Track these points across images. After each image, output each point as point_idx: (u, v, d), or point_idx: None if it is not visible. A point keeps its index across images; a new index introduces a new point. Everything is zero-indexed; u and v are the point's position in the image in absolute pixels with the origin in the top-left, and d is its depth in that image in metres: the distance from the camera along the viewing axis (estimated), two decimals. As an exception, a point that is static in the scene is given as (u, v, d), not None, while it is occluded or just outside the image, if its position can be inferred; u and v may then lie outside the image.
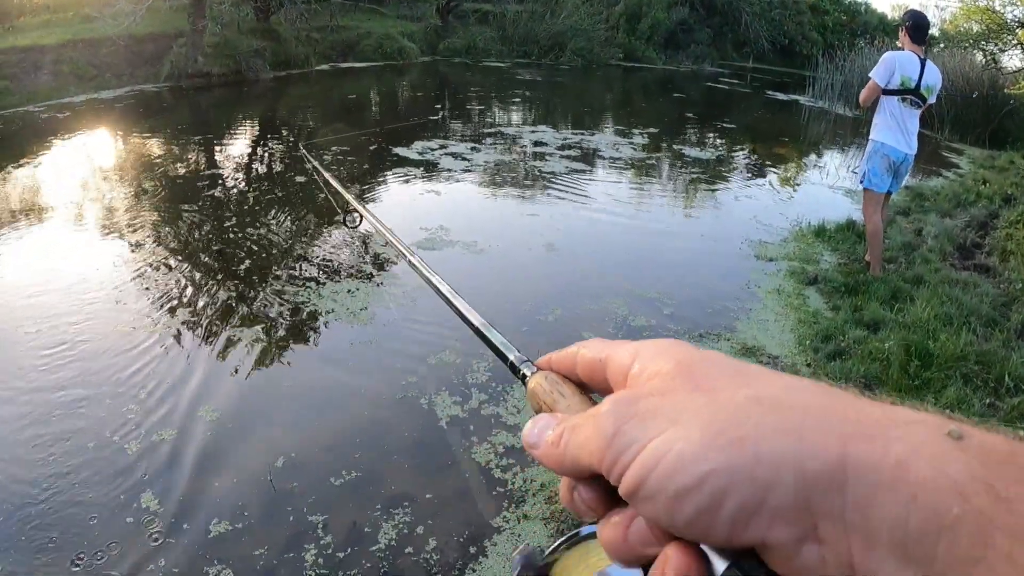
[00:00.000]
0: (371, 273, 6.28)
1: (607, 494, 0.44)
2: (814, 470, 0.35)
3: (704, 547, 0.39)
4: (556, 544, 0.61)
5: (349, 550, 3.21)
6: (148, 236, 7.03)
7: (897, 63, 6.11)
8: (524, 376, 0.57)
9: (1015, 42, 16.21)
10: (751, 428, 0.37)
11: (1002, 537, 0.31)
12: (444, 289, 0.74)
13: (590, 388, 0.52)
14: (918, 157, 6.52)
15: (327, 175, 1.80)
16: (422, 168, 10.22)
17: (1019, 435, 0.35)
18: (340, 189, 1.41)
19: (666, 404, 0.41)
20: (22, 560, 3.11)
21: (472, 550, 3.24)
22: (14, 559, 3.11)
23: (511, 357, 0.60)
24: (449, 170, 10.18)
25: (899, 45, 6.33)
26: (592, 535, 0.69)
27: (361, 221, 1.41)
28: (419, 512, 3.45)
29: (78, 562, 3.09)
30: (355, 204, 1.21)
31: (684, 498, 0.37)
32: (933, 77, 6.18)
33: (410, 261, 0.87)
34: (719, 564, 0.38)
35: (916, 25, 6.19)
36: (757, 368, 0.43)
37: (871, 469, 0.34)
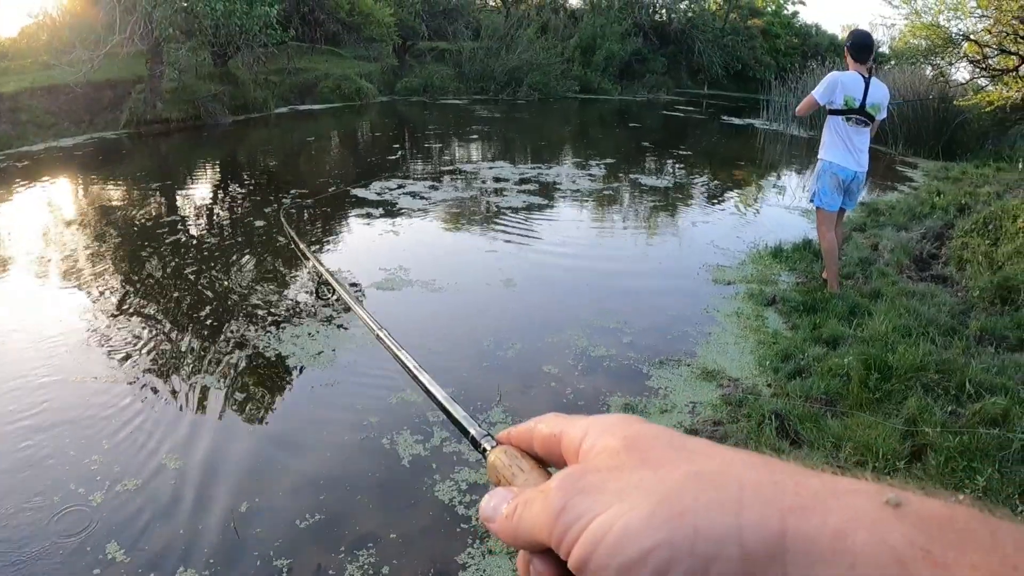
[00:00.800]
0: (330, 316, 6.23)
1: (561, 568, 0.45)
2: (754, 544, 0.35)
3: None
4: None
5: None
6: (109, 284, 6.95)
7: (840, 84, 6.18)
8: (484, 450, 0.58)
9: (961, 55, 16.51)
10: (690, 502, 0.38)
11: None
12: (410, 364, 0.76)
13: (548, 463, 0.54)
14: (873, 173, 6.61)
15: (308, 252, 1.79)
16: (381, 209, 10.18)
17: (957, 498, 0.36)
18: (322, 270, 1.42)
19: (612, 479, 0.42)
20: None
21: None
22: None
23: (472, 432, 0.62)
24: (408, 209, 10.17)
25: (846, 65, 6.40)
26: None
27: (334, 293, 1.40)
28: (384, 552, 3.40)
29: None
30: (331, 280, 1.20)
31: (630, 572, 0.38)
32: (879, 94, 6.25)
33: (377, 335, 0.90)
34: None
35: (856, 45, 6.27)
36: (703, 443, 0.44)
37: (809, 541, 0.34)
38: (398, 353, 0.81)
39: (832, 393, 4.71)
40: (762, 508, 0.37)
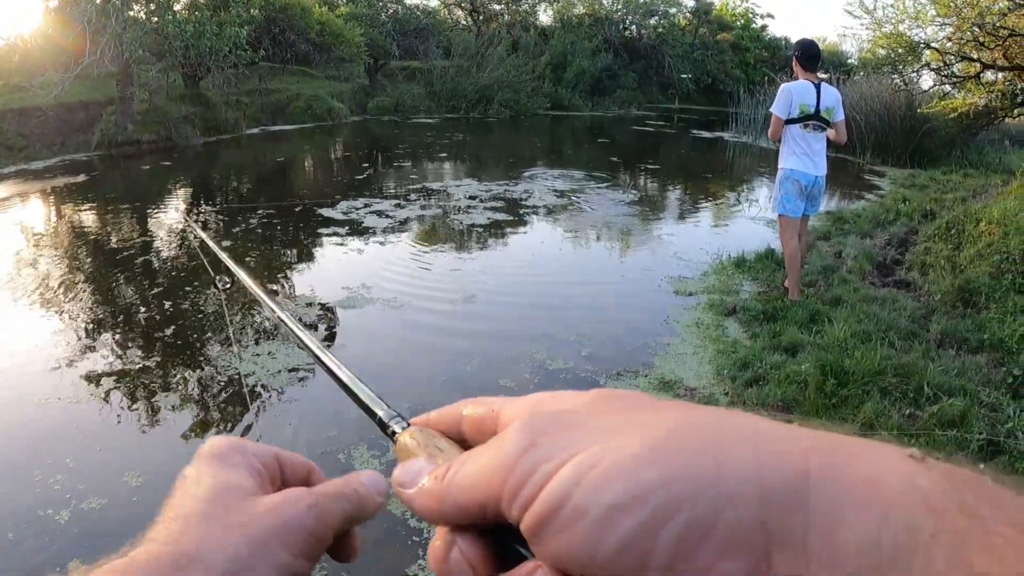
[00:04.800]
0: (287, 335, 6.18)
1: (496, 550, 0.38)
2: (775, 483, 0.30)
3: None
4: None
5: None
6: (78, 306, 6.91)
7: (794, 93, 6.25)
8: (394, 433, 0.51)
9: (923, 63, 16.69)
10: (710, 438, 0.32)
11: (981, 557, 0.27)
12: (313, 345, 0.68)
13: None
14: (840, 183, 6.64)
15: (204, 236, 1.72)
16: (346, 227, 10.14)
17: (979, 468, 0.32)
18: (216, 249, 1.34)
19: (594, 421, 0.35)
20: None
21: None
22: None
23: (380, 413, 0.54)
24: (373, 228, 10.13)
25: (794, 75, 6.45)
26: None
27: (234, 282, 1.34)
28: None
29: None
30: (230, 264, 1.14)
31: (619, 516, 0.31)
32: (831, 98, 6.32)
33: (279, 317, 0.81)
34: None
35: (804, 54, 6.38)
36: (689, 404, 0.38)
37: (837, 482, 0.30)
38: (300, 335, 0.73)
39: (789, 400, 4.70)
40: (780, 446, 0.32)
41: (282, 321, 0.78)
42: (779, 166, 6.54)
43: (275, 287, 7.67)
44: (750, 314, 6.31)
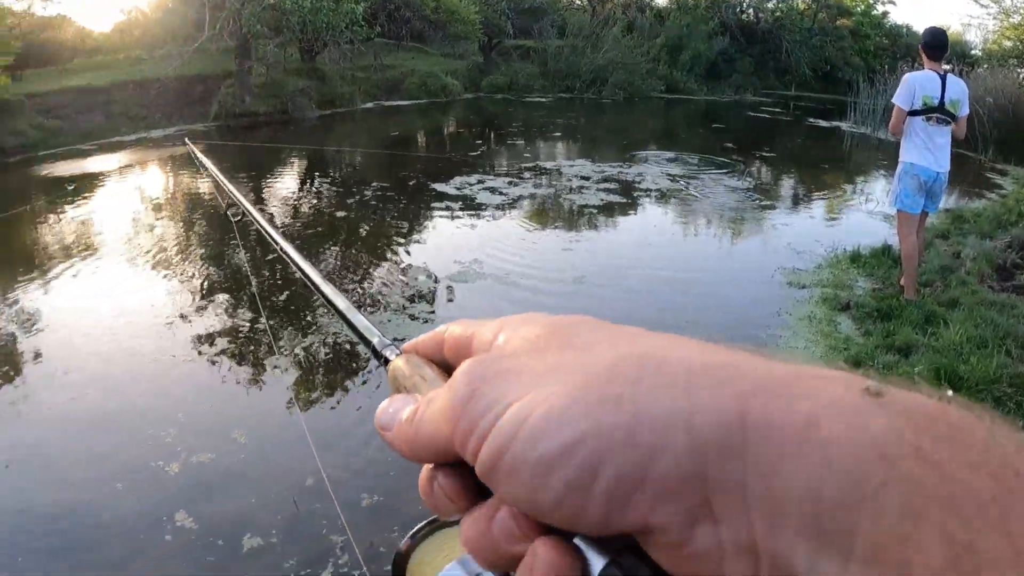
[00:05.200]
0: (404, 305, 6.39)
1: (471, 481, 0.38)
2: (707, 432, 0.29)
3: (578, 541, 0.33)
4: (415, 529, 0.56)
5: (365, 569, 3.30)
6: (193, 270, 7.28)
7: (916, 84, 6.07)
8: (387, 360, 0.52)
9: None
10: (629, 385, 0.32)
11: (936, 509, 0.26)
12: (313, 275, 0.73)
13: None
14: (960, 180, 6.45)
15: (212, 168, 1.79)
16: (460, 203, 10.34)
17: (944, 395, 0.30)
18: (223, 181, 1.41)
19: (531, 363, 0.36)
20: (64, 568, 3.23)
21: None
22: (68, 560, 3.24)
23: (374, 341, 0.56)
24: (486, 204, 10.30)
25: (921, 64, 6.29)
26: (453, 523, 0.69)
27: (243, 216, 1.37)
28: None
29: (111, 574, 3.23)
30: (237, 197, 1.20)
31: (550, 470, 0.32)
32: (956, 91, 6.13)
33: (281, 249, 0.87)
34: (596, 562, 0.33)
35: (931, 43, 6.17)
36: (638, 329, 0.38)
37: (775, 428, 0.29)
38: (301, 265, 0.78)
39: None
40: (718, 392, 0.30)
41: (283, 252, 0.85)
42: (899, 159, 6.38)
43: (387, 258, 7.89)
44: (864, 311, 6.23)
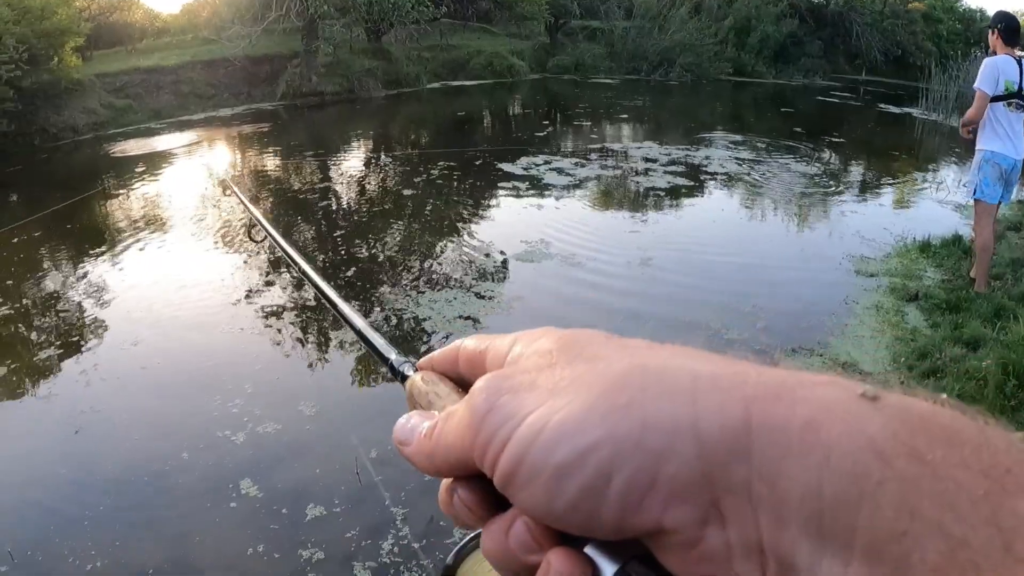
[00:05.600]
0: (469, 284, 6.50)
1: (489, 495, 0.40)
2: (713, 435, 0.31)
3: (590, 551, 0.36)
4: (461, 543, 0.57)
5: (424, 542, 3.43)
6: (261, 246, 7.44)
7: (1000, 68, 5.94)
8: (404, 377, 0.54)
9: None
10: (636, 393, 0.34)
11: (931, 505, 0.27)
12: (332, 295, 0.76)
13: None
14: (1036, 169, 6.32)
15: (240, 194, 1.89)
16: (527, 183, 10.43)
17: (938, 397, 0.32)
18: (250, 208, 1.50)
19: (544, 376, 0.38)
20: (129, 533, 3.43)
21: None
22: (133, 526, 3.43)
23: (391, 358, 0.58)
24: (553, 185, 10.38)
25: (991, 50, 6.15)
26: None
27: (265, 238, 1.43)
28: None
29: (177, 539, 3.42)
30: (259, 219, 1.27)
31: (566, 476, 0.33)
32: None
33: (302, 270, 0.90)
34: (607, 569, 0.35)
35: (1008, 27, 6.02)
36: (645, 342, 0.40)
37: (778, 431, 0.30)
38: (319, 284, 0.81)
39: (966, 397, 4.61)
40: (720, 396, 0.32)
41: (303, 272, 0.89)
42: (977, 147, 6.23)
43: (453, 237, 8.00)
44: (932, 302, 6.18)
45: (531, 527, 0.37)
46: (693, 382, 0.33)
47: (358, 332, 0.66)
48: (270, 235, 1.18)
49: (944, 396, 0.32)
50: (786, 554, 0.30)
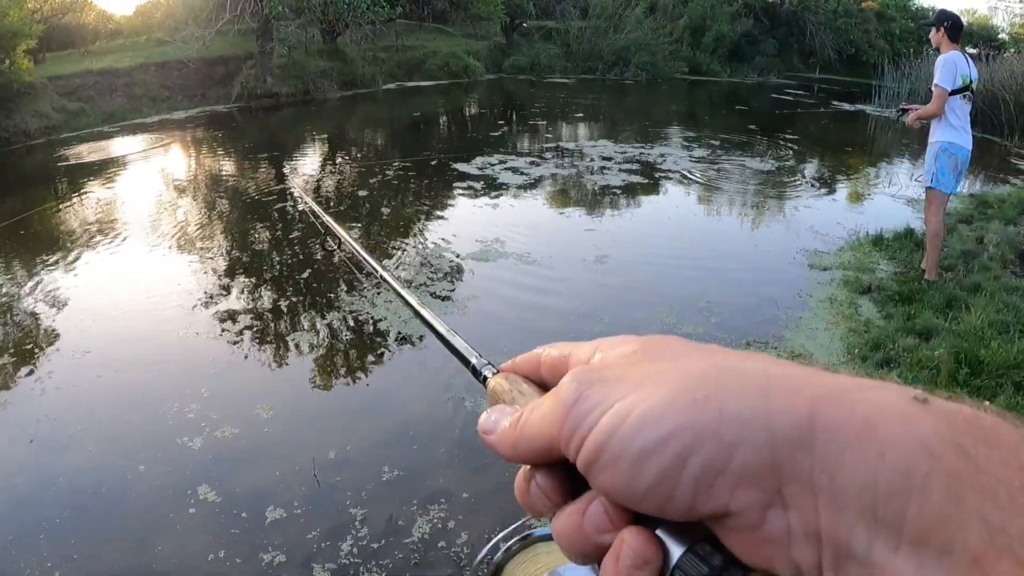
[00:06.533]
0: (424, 283, 6.44)
1: (566, 481, 0.44)
2: (782, 428, 0.35)
3: (660, 533, 0.38)
4: (508, 545, 0.60)
5: (383, 542, 3.37)
6: (216, 249, 7.39)
7: (958, 64, 6.11)
8: (485, 378, 0.57)
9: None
10: (714, 388, 0.37)
11: (974, 496, 0.31)
12: (412, 301, 0.78)
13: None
14: (985, 164, 6.46)
15: (314, 205, 1.90)
16: (481, 183, 10.38)
17: (982, 404, 0.35)
18: (327, 219, 1.49)
19: (630, 372, 0.41)
20: (88, 542, 3.32)
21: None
22: (92, 535, 3.33)
23: (473, 361, 0.61)
24: (508, 184, 10.35)
25: (935, 46, 6.35)
26: (544, 537, 0.70)
27: (340, 244, 1.38)
28: (454, 508, 3.60)
29: (136, 547, 3.34)
30: (337, 230, 1.27)
31: (647, 459, 0.37)
32: (975, 70, 6.26)
33: (382, 276, 0.92)
34: (676, 549, 0.38)
35: (954, 26, 6.22)
36: (719, 347, 0.44)
37: (839, 427, 0.34)
38: (401, 292, 0.83)
39: (918, 385, 4.63)
40: (789, 395, 0.36)
41: (385, 280, 0.89)
42: (933, 139, 6.34)
43: (409, 236, 7.94)
44: (885, 294, 6.22)
45: (608, 507, 0.40)
46: (766, 380, 0.37)
47: (440, 337, 0.68)
48: (351, 245, 1.19)
49: (987, 403, 0.36)
50: (842, 539, 0.33)
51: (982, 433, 0.33)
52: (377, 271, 0.97)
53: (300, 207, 9.05)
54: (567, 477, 0.43)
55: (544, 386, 0.51)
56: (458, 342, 0.65)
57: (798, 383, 0.37)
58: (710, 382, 0.38)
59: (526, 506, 0.46)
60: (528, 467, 0.46)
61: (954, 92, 6.14)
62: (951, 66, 6.10)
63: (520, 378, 0.53)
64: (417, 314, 0.75)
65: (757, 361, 0.39)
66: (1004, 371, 4.70)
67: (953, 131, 6.22)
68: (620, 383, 0.40)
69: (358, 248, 1.12)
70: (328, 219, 1.39)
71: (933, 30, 6.36)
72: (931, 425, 0.33)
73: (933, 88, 6.22)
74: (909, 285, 6.35)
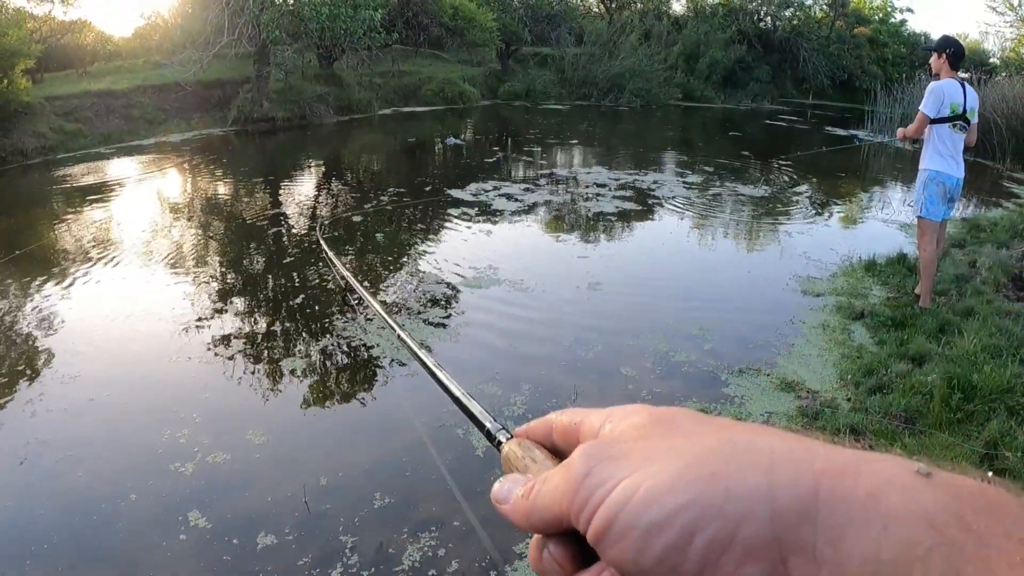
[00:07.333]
0: (418, 310, 6.42)
1: (578, 551, 0.44)
2: (786, 503, 0.35)
3: None
4: None
5: (374, 569, 3.33)
6: (210, 273, 7.38)
7: (945, 92, 6.11)
8: (499, 443, 0.58)
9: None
10: (721, 464, 0.38)
11: (973, 568, 0.31)
12: (429, 362, 0.78)
13: (565, 454, 0.50)
14: (978, 188, 6.46)
15: (335, 260, 1.92)
16: (475, 209, 10.39)
17: (987, 476, 0.36)
18: (346, 274, 1.52)
19: (638, 447, 0.42)
20: (77, 567, 3.28)
21: (493, 574, 3.34)
22: (81, 560, 3.28)
23: (488, 426, 0.62)
24: (502, 211, 10.35)
25: (934, 72, 6.33)
26: None
27: (359, 299, 1.40)
28: (445, 536, 3.57)
29: (126, 573, 3.28)
30: (357, 287, 1.31)
31: (655, 534, 0.37)
32: (974, 99, 6.22)
33: (399, 335, 0.93)
34: None
35: (956, 53, 6.20)
36: (730, 420, 0.45)
37: (842, 501, 0.34)
38: (417, 352, 0.83)
39: (912, 411, 4.64)
40: (794, 469, 0.36)
41: (400, 339, 0.91)
42: (921, 167, 6.36)
43: (403, 262, 7.94)
44: (878, 319, 6.22)
45: None
46: (771, 455, 0.38)
47: (456, 400, 0.70)
48: (374, 307, 1.21)
49: (991, 474, 0.36)
50: None
51: (984, 504, 0.33)
52: (396, 331, 1.00)
53: (295, 230, 9.06)
54: (579, 546, 0.44)
55: (556, 452, 0.52)
56: (474, 407, 0.66)
57: (804, 456, 0.37)
58: (718, 458, 0.39)
59: (539, 573, 0.47)
60: (540, 536, 0.47)
61: (941, 120, 6.16)
62: (939, 94, 6.13)
63: (533, 444, 0.54)
64: (434, 377, 0.76)
65: (765, 435, 0.40)
66: (997, 396, 4.68)
67: (940, 159, 6.23)
68: (628, 458, 0.41)
69: (379, 307, 1.12)
70: (347, 274, 1.41)
71: (935, 55, 6.35)
72: (934, 498, 0.33)
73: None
74: (902, 310, 6.34)
